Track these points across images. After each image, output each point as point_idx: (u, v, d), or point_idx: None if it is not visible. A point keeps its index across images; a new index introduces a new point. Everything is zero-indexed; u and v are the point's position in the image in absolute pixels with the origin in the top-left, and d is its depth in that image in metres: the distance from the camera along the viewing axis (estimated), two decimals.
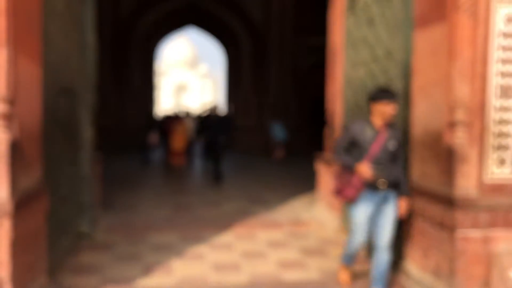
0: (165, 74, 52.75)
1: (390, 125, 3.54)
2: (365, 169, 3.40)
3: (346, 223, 5.51)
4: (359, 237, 3.61)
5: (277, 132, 14.39)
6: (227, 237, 5.37)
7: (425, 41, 3.84)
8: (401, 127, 4.01)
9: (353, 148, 3.57)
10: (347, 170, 3.55)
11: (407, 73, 4.11)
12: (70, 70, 4.41)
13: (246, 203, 7.34)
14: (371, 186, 3.48)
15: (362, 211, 3.54)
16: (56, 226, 4.11)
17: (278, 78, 18.24)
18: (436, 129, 3.68)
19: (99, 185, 5.96)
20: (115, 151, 16.05)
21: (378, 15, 4.66)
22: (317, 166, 6.50)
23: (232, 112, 18.66)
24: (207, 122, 9.86)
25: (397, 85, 4.26)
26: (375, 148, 3.46)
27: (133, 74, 17.65)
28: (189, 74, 56.34)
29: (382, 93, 3.50)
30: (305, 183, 9.43)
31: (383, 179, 3.45)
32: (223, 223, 5.96)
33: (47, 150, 3.77)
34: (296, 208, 6.94)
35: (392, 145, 3.49)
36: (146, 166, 12.27)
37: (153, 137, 12.34)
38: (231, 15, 18.03)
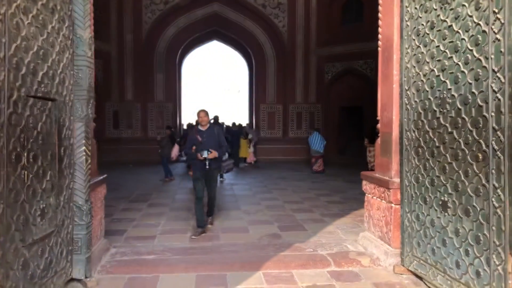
0: (190, 85, 51.89)
1: None
2: None
3: (407, 261, 4.08)
4: None
5: (315, 143, 12.45)
6: (255, 282, 4.02)
7: None
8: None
9: None
10: None
11: None
12: (48, 72, 3.17)
13: (276, 228, 5.95)
14: None
15: None
16: (29, 283, 2.84)
17: (303, 88, 16.90)
18: None
19: (100, 213, 4.70)
20: (139, 164, 14.98)
21: None
22: (365, 188, 5.08)
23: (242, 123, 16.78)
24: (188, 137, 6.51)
25: (495, 85, 2.85)
26: None
27: (156, 86, 16.60)
28: (214, 86, 55.48)
29: None
30: (342, 202, 8.00)
31: None
32: (251, 258, 4.61)
33: (5, 182, 2.52)
34: (339, 236, 5.51)
35: None
36: (168, 180, 11.01)
37: (174, 150, 11.05)
38: (256, 25, 16.84)
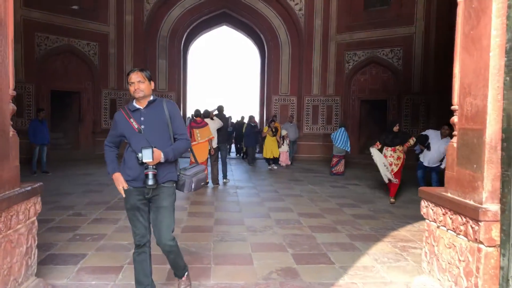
0: (196, 75, 50.27)
1: None
2: None
3: None
4: None
5: (340, 140, 10.70)
6: None
7: None
8: None
9: None
10: None
11: None
12: None
13: (291, 259, 4.28)
14: None
15: None
16: None
17: (321, 78, 15.16)
18: None
19: (27, 242, 3.10)
20: None
21: None
22: (426, 212, 3.39)
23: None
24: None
25: None
26: None
27: (158, 73, 15.02)
28: (224, 77, 53.77)
29: None
30: (373, 216, 6.29)
31: None
32: None
33: None
34: (380, 276, 3.84)
35: None
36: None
37: None
38: (269, 7, 15.14)
